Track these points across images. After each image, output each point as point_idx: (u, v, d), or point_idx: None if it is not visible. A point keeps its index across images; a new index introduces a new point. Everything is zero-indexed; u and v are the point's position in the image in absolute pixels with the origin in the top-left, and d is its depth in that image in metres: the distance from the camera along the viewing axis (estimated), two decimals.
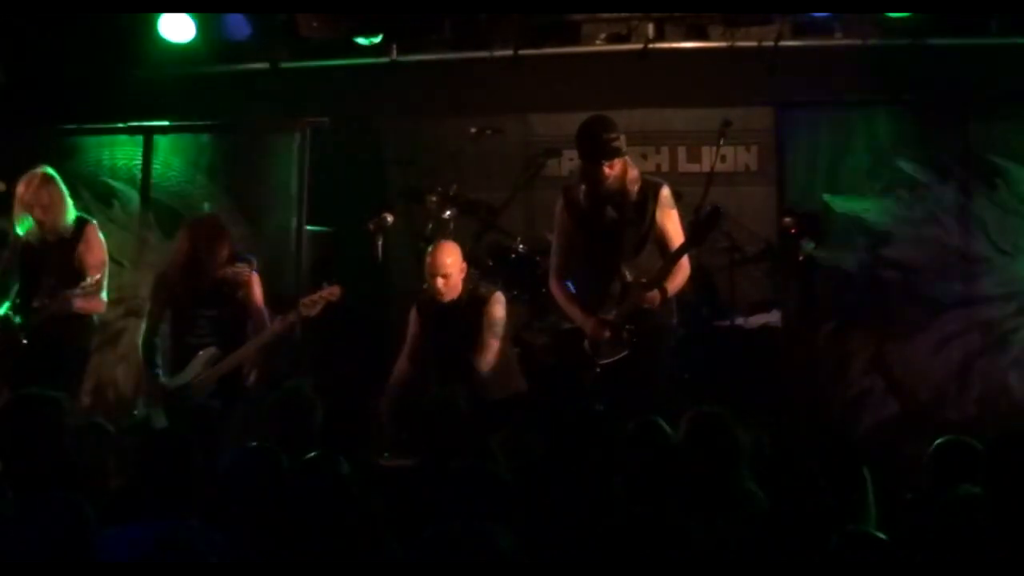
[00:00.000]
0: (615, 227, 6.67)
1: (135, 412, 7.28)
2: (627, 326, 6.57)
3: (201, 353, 6.93)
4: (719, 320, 8.30)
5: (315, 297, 6.94)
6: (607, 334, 6.61)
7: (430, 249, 7.34)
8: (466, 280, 7.26)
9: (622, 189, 6.65)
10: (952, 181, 7.73)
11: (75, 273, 7.06)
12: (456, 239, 8.06)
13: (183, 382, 6.91)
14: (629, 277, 6.57)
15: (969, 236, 7.68)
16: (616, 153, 6.58)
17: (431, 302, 7.29)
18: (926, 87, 8.04)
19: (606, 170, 6.57)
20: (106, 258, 7.27)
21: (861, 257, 7.76)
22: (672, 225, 6.70)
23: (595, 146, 6.58)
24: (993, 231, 7.68)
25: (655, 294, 6.52)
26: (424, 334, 7.35)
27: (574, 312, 6.83)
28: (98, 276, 7.05)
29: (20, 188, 7.15)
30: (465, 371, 7.12)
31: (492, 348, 7.20)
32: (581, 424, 5.08)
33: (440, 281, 7.18)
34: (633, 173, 6.69)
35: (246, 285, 7.02)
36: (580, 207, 6.76)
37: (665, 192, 6.71)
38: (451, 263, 7.20)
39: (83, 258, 7.11)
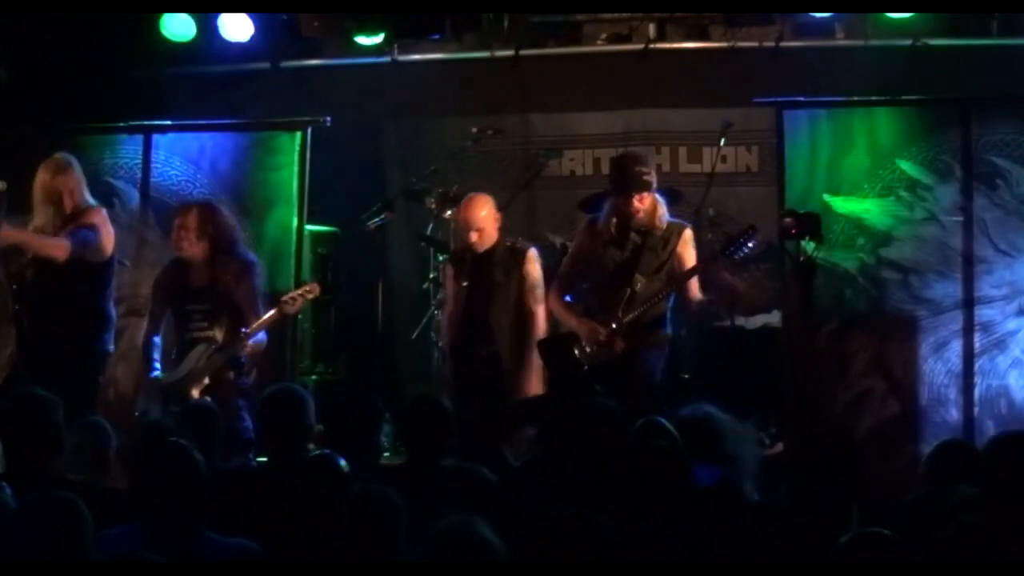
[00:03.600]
0: (636, 251, 6.89)
1: (136, 413, 7.29)
2: (622, 330, 6.67)
3: (196, 348, 6.98)
4: (719, 320, 8.30)
5: (295, 295, 7.00)
6: (602, 337, 6.72)
7: (462, 203, 7.38)
8: (502, 230, 7.32)
9: (650, 223, 6.87)
10: (952, 182, 7.72)
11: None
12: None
13: (178, 377, 6.97)
14: (639, 287, 6.71)
15: (969, 237, 7.67)
16: (647, 187, 6.81)
17: (465, 253, 7.35)
18: (926, 88, 8.04)
19: (635, 203, 6.74)
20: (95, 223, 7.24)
21: (861, 257, 7.75)
22: (690, 263, 6.93)
23: (626, 178, 6.82)
24: (993, 232, 7.67)
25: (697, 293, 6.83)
26: (459, 286, 7.35)
27: (570, 318, 7.04)
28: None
29: (39, 176, 7.16)
30: (489, 325, 7.20)
31: (540, 316, 7.23)
32: (577, 423, 5.06)
33: (474, 235, 7.23)
34: (661, 211, 6.92)
35: (241, 279, 7.05)
36: (605, 237, 6.92)
37: (688, 233, 7.00)
38: (484, 216, 7.25)
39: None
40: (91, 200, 7.31)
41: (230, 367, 6.98)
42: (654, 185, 6.86)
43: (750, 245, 6.93)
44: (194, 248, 7.04)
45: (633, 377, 6.72)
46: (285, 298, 6.98)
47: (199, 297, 7.07)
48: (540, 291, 7.24)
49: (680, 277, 6.83)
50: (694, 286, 6.92)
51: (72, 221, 7.15)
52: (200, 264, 7.08)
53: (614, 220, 6.92)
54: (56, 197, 7.13)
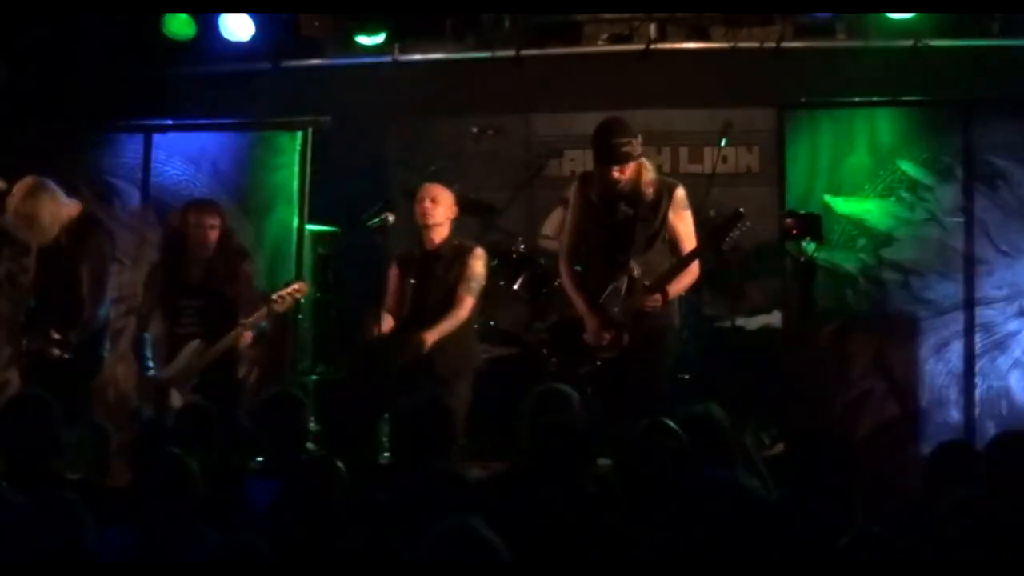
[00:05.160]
0: (627, 224, 6.69)
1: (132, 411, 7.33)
2: (627, 329, 6.59)
3: (188, 345, 7.03)
4: (720, 321, 8.30)
5: (284, 293, 7.03)
6: (607, 337, 6.64)
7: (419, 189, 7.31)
8: (453, 229, 7.22)
9: (635, 191, 6.67)
10: (953, 182, 7.72)
11: (78, 285, 7.09)
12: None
13: (171, 375, 7.02)
14: (636, 272, 6.60)
15: (970, 238, 7.67)
16: (626, 158, 6.59)
17: (411, 255, 7.22)
18: (927, 88, 8.04)
19: (615, 174, 6.59)
20: (106, 271, 7.27)
21: (862, 258, 7.75)
22: (683, 226, 6.72)
23: (605, 150, 6.63)
24: (994, 232, 7.67)
25: (657, 298, 6.55)
26: (402, 285, 7.21)
27: (579, 302, 6.84)
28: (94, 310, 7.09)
29: (8, 201, 7.15)
30: (430, 323, 7.03)
31: (466, 305, 7.07)
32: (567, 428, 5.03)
33: (428, 203, 7.11)
34: (648, 176, 6.71)
35: (236, 277, 7.09)
36: (593, 202, 6.78)
37: (680, 193, 6.74)
38: (441, 196, 7.16)
39: (85, 277, 7.11)
40: (70, 211, 7.23)
41: (222, 364, 7.01)
42: (635, 154, 6.61)
43: (737, 233, 6.78)
44: (213, 245, 7.10)
45: (643, 371, 6.60)
46: (275, 296, 7.01)
47: (193, 293, 7.11)
48: (476, 284, 7.10)
49: (676, 266, 6.64)
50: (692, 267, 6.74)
51: (77, 240, 7.12)
52: (198, 261, 7.11)
53: (598, 191, 6.76)
54: (31, 222, 7.11)
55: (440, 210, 7.15)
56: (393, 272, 7.34)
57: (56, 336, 6.96)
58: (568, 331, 6.95)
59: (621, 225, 6.70)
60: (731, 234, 6.60)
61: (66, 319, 7.06)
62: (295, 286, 7.10)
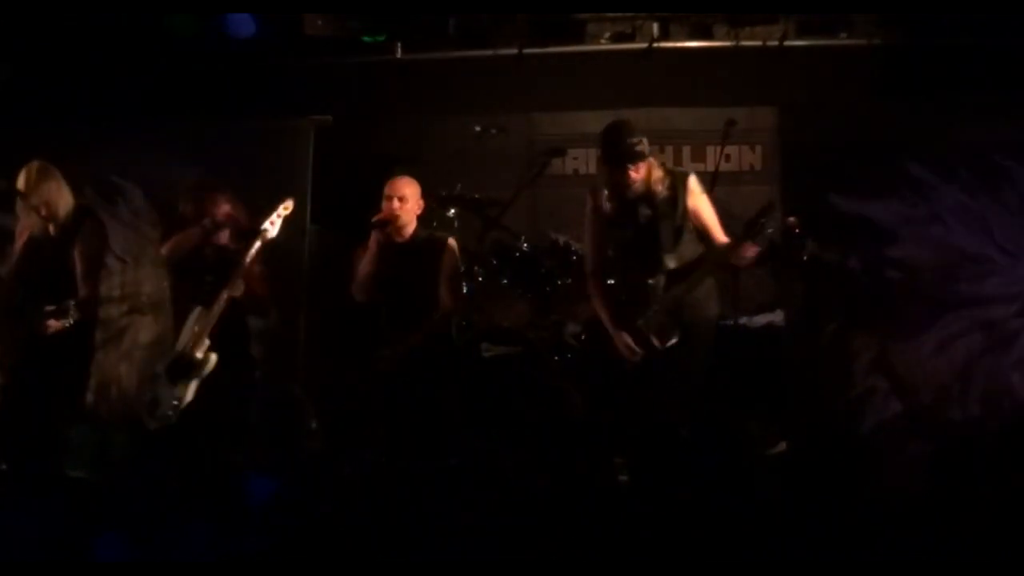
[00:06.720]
0: (650, 224, 6.71)
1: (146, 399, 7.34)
2: (660, 336, 6.58)
3: (192, 314, 7.06)
4: (723, 319, 8.30)
5: (272, 218, 7.02)
6: (639, 352, 6.61)
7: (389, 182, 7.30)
8: (422, 219, 7.23)
9: (649, 190, 6.68)
10: (957, 181, 7.72)
11: (70, 275, 7.10)
12: (460, 237, 8.09)
13: (181, 349, 7.03)
14: (672, 265, 6.60)
15: (973, 236, 7.67)
16: (640, 157, 6.61)
17: (384, 242, 7.18)
18: (931, 86, 8.04)
19: (632, 174, 6.61)
20: (100, 256, 7.29)
21: (865, 257, 7.75)
22: (706, 210, 6.75)
23: (619, 151, 6.62)
24: (997, 231, 7.66)
25: (750, 245, 6.50)
26: (376, 273, 7.19)
27: (604, 318, 6.83)
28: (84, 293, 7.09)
29: (20, 185, 7.17)
30: (417, 319, 7.06)
31: (449, 304, 7.16)
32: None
33: (396, 203, 7.10)
34: (658, 173, 6.72)
35: (247, 246, 7.11)
36: (608, 211, 6.78)
37: (692, 180, 6.76)
38: (409, 192, 7.17)
39: (77, 261, 7.13)
40: (70, 200, 7.25)
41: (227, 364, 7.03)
42: (647, 153, 6.65)
43: (770, 223, 6.74)
44: (225, 235, 7.14)
45: (672, 372, 6.58)
46: (264, 225, 7.01)
47: (208, 269, 7.13)
48: (456, 282, 7.18)
49: (713, 259, 6.63)
50: (719, 234, 6.73)
51: (65, 231, 7.13)
52: (208, 238, 7.16)
53: (606, 193, 6.74)
54: (38, 208, 7.12)
55: (408, 207, 7.17)
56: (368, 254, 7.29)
57: (51, 309, 6.95)
58: (600, 331, 6.93)
59: (645, 227, 6.72)
60: (765, 224, 6.63)
61: (60, 301, 7.05)
62: (283, 205, 7.08)
